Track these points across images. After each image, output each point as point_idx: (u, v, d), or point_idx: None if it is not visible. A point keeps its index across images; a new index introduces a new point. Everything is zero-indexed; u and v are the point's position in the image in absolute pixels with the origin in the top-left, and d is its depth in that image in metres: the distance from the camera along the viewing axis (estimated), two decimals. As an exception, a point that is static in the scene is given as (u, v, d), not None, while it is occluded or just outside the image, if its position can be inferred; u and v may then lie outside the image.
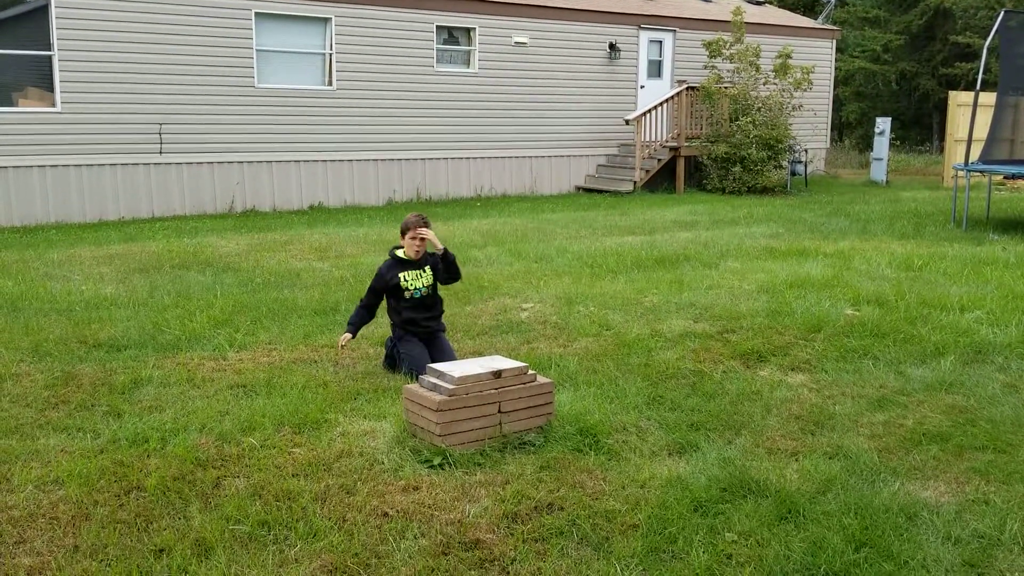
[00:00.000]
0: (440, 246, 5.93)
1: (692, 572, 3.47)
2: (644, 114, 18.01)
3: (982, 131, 14.05)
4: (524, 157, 18.25)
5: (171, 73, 14.39)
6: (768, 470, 4.37)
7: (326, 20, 15.73)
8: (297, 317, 7.35)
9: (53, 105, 13.67)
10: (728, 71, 18.93)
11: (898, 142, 28.99)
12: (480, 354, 6.11)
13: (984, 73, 13.88)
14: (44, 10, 13.49)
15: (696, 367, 6.00)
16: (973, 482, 4.27)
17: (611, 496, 4.09)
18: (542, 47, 18.02)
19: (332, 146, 16.09)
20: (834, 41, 22.91)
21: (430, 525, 3.82)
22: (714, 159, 18.30)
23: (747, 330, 6.80)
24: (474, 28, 17.23)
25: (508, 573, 3.50)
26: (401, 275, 5.92)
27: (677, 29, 19.85)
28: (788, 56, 18.61)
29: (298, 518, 3.87)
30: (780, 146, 18.41)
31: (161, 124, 14.42)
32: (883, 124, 21.19)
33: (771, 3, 27.58)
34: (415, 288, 5.93)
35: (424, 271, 5.97)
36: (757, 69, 18.64)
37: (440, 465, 4.38)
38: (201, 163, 14.92)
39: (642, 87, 19.48)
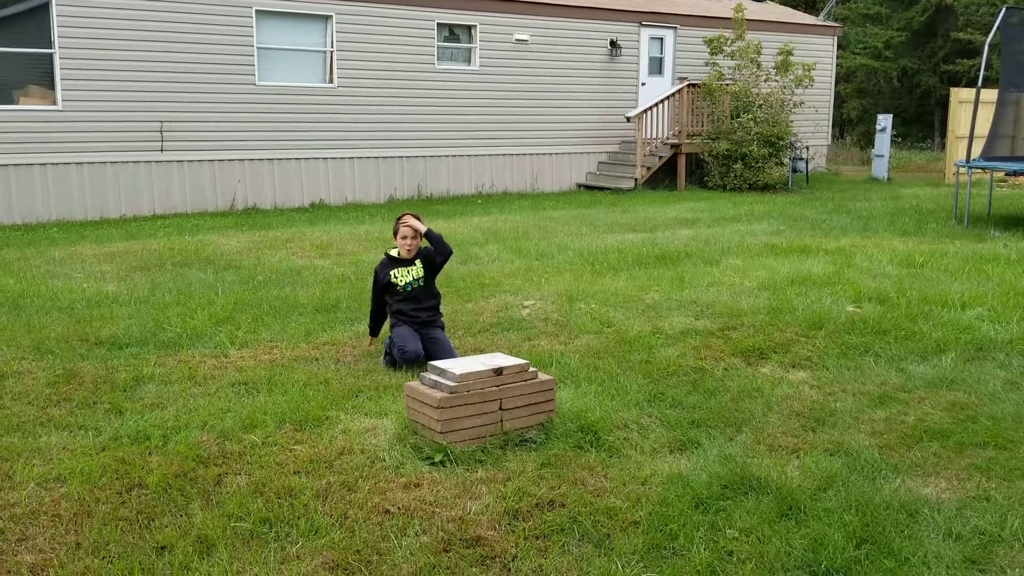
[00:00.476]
0: (423, 227, 6.13)
1: (693, 569, 3.48)
2: (645, 111, 18.00)
3: (984, 128, 14.03)
4: (525, 154, 18.24)
5: (172, 71, 14.39)
6: (769, 467, 4.37)
7: (327, 18, 15.73)
8: (298, 315, 7.35)
9: (54, 103, 13.68)
10: (729, 68, 18.91)
11: (899, 139, 28.94)
12: (481, 351, 6.12)
13: (986, 70, 13.86)
14: (45, 8, 13.49)
15: (697, 364, 6.00)
16: (974, 479, 4.28)
17: (612, 493, 4.10)
18: (543, 44, 18.00)
19: (333, 144, 16.09)
20: (835, 38, 22.88)
21: (431, 522, 3.83)
22: (715, 156, 18.29)
23: (748, 327, 6.80)
24: (475, 25, 17.22)
25: (509, 570, 3.50)
26: (392, 272, 6.16)
27: (678, 26, 19.83)
28: (789, 53, 18.59)
29: (299, 515, 3.88)
30: (781, 143, 18.39)
31: (162, 122, 14.42)
32: (884, 121, 21.17)
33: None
34: (405, 283, 6.13)
35: (415, 265, 6.16)
36: (758, 66, 18.62)
37: (441, 462, 4.38)
38: (202, 161, 14.93)
39: (643, 84, 19.46)
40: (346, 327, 6.97)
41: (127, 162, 14.30)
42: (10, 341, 6.52)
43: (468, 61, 17.37)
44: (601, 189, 18.26)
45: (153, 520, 3.85)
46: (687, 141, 18.47)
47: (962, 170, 13.81)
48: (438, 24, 16.81)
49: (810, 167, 20.66)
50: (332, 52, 15.83)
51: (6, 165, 13.38)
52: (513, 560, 3.55)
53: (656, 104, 18.14)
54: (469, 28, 17.28)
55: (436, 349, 5.99)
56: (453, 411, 4.51)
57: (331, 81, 15.94)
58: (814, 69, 18.85)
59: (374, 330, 6.40)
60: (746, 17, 18.81)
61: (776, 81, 18.75)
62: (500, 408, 4.64)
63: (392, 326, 6.14)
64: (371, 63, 16.17)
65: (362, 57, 16.08)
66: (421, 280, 6.15)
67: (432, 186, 17.19)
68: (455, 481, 4.21)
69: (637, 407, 5.18)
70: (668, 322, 7.00)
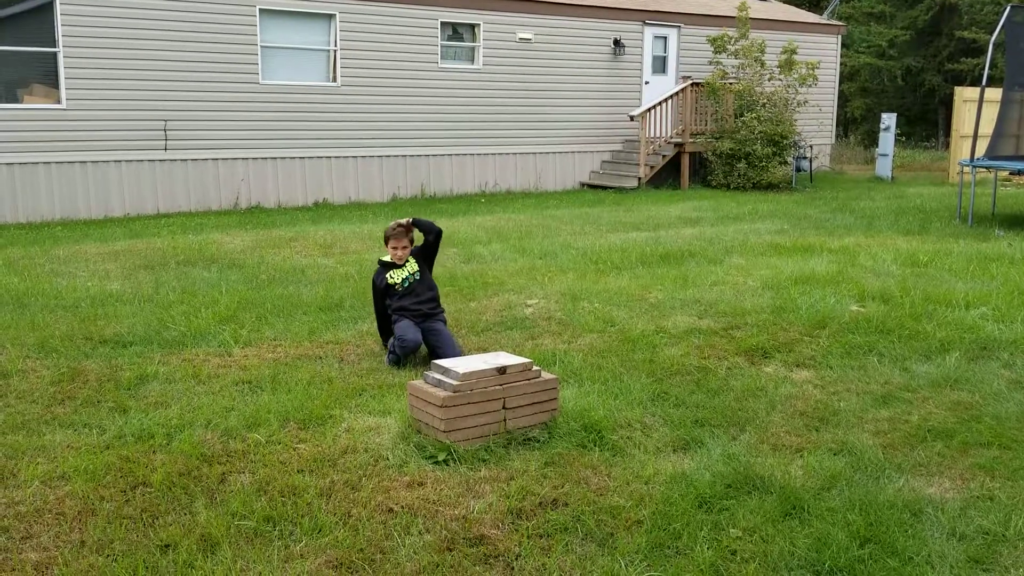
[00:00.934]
0: (406, 220, 6.33)
1: (696, 568, 3.48)
2: (649, 110, 17.98)
3: (988, 127, 13.99)
4: (528, 153, 18.24)
5: (176, 70, 14.41)
6: (772, 466, 4.37)
7: (331, 16, 15.73)
8: (302, 313, 7.36)
9: (58, 102, 13.70)
10: (733, 67, 18.89)
11: (903, 138, 28.88)
12: (485, 350, 6.12)
13: (990, 69, 13.83)
14: (49, 7, 13.50)
15: (700, 363, 6.00)
16: (978, 478, 4.27)
17: (615, 492, 4.10)
18: (547, 43, 18.00)
19: (336, 143, 16.10)
20: (839, 37, 22.84)
21: (435, 521, 3.83)
22: (719, 155, 18.27)
23: (752, 326, 6.80)
24: (478, 24, 17.22)
25: (512, 569, 3.50)
26: (387, 275, 6.30)
27: (682, 25, 19.81)
28: (793, 52, 18.57)
29: (303, 514, 3.88)
30: (785, 142, 18.36)
31: (166, 121, 14.44)
32: (888, 120, 21.14)
33: (776, -1, 27.47)
34: (402, 279, 6.26)
35: (408, 262, 6.31)
36: (762, 65, 18.60)
37: (445, 461, 4.39)
38: (206, 160, 14.94)
39: (647, 83, 19.45)
40: (349, 326, 6.97)
41: (131, 161, 14.31)
42: (15, 339, 6.53)
43: (472, 60, 17.37)
44: (605, 188, 18.25)
45: (157, 518, 3.86)
46: (691, 140, 18.45)
47: (966, 169, 13.78)
48: (442, 23, 16.81)
49: (814, 166, 20.63)
50: (336, 51, 15.83)
51: (11, 164, 13.40)
52: (516, 559, 3.56)
53: (660, 103, 18.12)
54: (473, 27, 17.28)
55: (439, 342, 6.03)
56: (457, 410, 4.52)
57: (335, 80, 15.95)
58: (818, 68, 18.83)
59: (385, 334, 6.43)
60: (750, 16, 18.79)
61: (780, 80, 18.72)
62: (503, 407, 4.65)
63: (394, 323, 6.19)
64: (375, 62, 16.17)
65: (366, 56, 16.09)
66: (416, 274, 6.28)
67: (435, 185, 17.20)
68: (458, 480, 4.21)
69: (640, 406, 5.18)
70: (672, 321, 7.00)
